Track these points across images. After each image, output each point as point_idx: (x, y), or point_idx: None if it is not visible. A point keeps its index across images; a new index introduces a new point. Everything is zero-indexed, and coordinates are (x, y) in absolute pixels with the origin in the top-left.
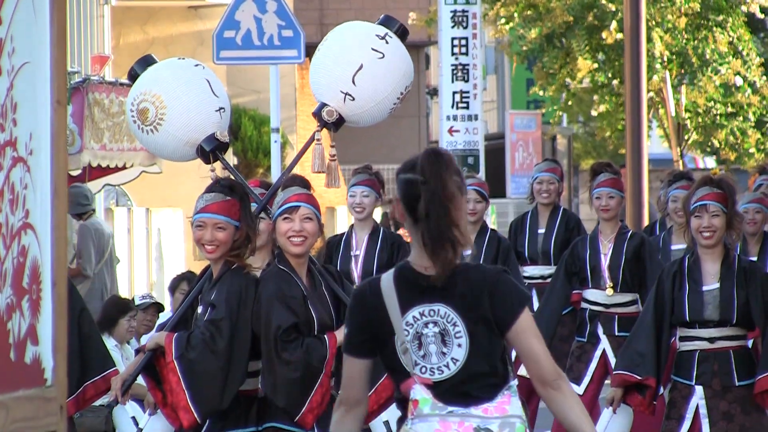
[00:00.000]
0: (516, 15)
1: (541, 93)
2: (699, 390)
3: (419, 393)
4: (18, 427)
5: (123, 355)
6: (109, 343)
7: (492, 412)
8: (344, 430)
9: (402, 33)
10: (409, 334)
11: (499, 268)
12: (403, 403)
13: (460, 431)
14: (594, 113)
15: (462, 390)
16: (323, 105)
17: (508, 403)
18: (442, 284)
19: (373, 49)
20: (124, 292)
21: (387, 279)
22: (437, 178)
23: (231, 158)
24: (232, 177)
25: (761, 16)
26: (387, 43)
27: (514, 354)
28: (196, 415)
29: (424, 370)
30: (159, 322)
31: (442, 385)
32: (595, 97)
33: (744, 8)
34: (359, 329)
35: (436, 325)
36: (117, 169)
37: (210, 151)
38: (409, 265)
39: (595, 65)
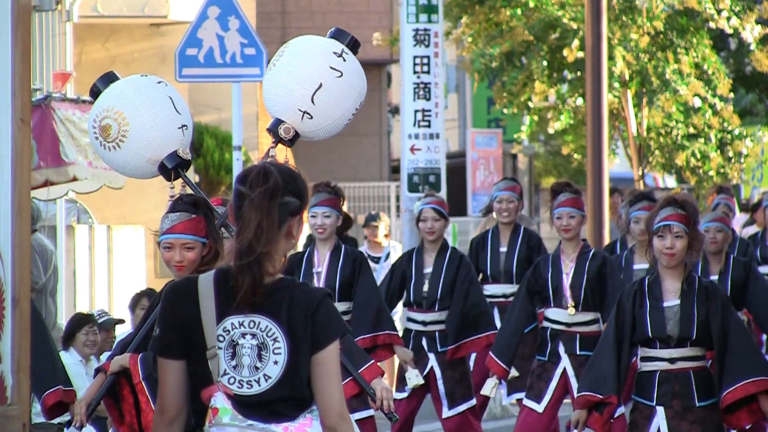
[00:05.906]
0: (478, 33)
1: (504, 111)
2: (660, 411)
3: (220, 402)
4: None
5: (86, 371)
6: (74, 358)
7: (292, 431)
8: None
9: (353, 45)
10: (224, 340)
11: (324, 290)
12: (202, 412)
13: None
14: (551, 131)
15: (266, 407)
16: (279, 121)
17: (309, 426)
18: (266, 296)
19: (331, 68)
20: (84, 309)
21: (206, 280)
22: (261, 198)
23: (192, 175)
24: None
25: (730, 31)
26: (344, 60)
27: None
28: None
29: (232, 381)
30: (117, 338)
31: (246, 399)
32: (550, 114)
33: (712, 24)
34: (172, 328)
35: (254, 337)
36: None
37: (172, 168)
38: (232, 271)
39: (553, 89)
